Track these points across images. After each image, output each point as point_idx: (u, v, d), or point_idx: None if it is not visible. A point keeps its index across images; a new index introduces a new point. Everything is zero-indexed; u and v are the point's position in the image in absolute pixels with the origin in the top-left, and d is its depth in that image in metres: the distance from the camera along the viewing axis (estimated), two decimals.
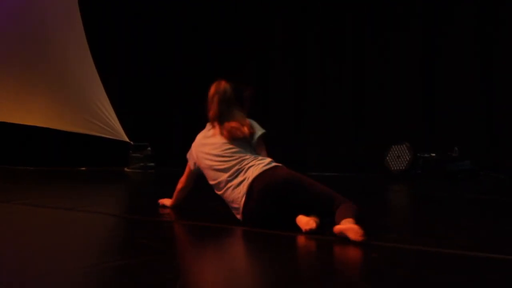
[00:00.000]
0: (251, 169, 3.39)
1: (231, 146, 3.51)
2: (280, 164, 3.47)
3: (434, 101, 7.99)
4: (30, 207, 4.32)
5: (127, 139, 8.71)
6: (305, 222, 3.15)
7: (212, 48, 9.74)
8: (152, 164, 8.69)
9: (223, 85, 3.64)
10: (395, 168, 7.42)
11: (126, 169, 8.60)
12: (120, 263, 2.45)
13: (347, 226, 2.92)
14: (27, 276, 2.26)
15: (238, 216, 3.42)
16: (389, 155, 7.50)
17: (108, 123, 8.53)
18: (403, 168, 7.33)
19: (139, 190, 6.33)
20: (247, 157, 3.47)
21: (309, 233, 3.05)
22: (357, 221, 2.97)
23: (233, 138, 3.51)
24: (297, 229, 3.15)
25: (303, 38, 9.11)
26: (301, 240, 3.00)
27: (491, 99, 7.56)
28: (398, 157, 7.40)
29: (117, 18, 9.53)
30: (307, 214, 3.25)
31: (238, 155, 3.48)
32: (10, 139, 9.08)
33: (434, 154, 7.20)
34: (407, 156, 7.32)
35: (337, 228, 2.97)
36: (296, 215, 3.24)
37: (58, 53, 8.48)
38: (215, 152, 3.53)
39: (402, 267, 2.45)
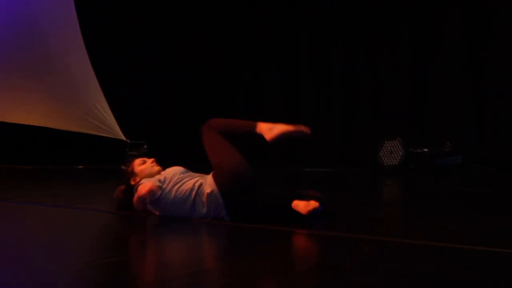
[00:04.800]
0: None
1: None
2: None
3: (427, 97, 8.07)
4: (27, 205, 4.36)
5: (123, 137, 8.75)
6: (304, 204, 3.10)
7: (208, 47, 9.79)
8: None
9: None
10: (388, 163, 7.49)
11: (122, 167, 8.64)
12: (115, 260, 2.48)
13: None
14: (23, 273, 2.29)
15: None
16: (382, 150, 7.57)
17: (105, 122, 8.56)
18: (396, 163, 7.40)
19: None
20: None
21: (311, 215, 3.06)
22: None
23: None
24: (286, 223, 3.15)
25: (296, 40, 9.19)
26: (290, 234, 3.01)
27: (482, 95, 7.65)
28: (391, 152, 7.47)
29: (115, 16, 9.56)
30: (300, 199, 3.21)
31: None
32: (8, 138, 9.13)
33: (426, 149, 7.25)
34: (399, 152, 7.40)
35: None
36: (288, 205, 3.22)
37: (55, 53, 8.51)
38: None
39: (394, 260, 2.46)
